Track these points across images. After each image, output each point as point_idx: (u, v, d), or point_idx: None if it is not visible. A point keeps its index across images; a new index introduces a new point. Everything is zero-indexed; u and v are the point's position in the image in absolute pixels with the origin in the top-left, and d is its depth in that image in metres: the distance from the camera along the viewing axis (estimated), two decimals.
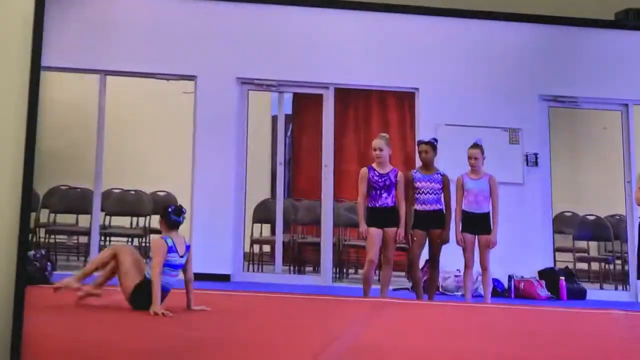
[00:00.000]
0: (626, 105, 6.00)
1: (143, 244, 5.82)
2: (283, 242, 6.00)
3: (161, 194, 6.02)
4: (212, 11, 5.54)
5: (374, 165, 5.32)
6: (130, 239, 5.82)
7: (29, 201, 3.44)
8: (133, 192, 5.85)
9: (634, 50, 5.36)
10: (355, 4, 4.36)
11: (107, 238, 5.54)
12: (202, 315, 4.29)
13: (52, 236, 5.39)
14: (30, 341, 3.18)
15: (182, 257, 4.37)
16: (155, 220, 5.74)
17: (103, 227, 5.52)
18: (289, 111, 6.76)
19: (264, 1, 4.95)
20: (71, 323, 3.93)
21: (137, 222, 5.89)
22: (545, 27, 5.11)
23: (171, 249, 4.36)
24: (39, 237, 5.29)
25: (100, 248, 5.37)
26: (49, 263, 4.68)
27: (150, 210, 5.88)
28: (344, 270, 6.17)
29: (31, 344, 3.18)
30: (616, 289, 6.03)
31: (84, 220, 5.53)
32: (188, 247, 4.42)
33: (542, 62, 5.83)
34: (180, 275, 4.42)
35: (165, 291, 4.30)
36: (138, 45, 5.55)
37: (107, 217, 5.60)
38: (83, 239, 5.51)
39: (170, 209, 4.51)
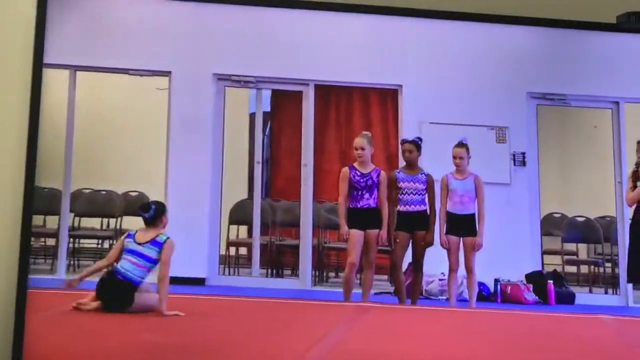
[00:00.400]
0: (617, 102, 5.93)
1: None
2: (260, 245, 5.93)
3: (133, 194, 5.95)
4: (188, 7, 5.37)
5: (355, 164, 5.19)
6: (100, 241, 5.73)
7: (30, 203, 3.35)
8: (104, 193, 5.74)
9: (629, 51, 5.31)
10: (335, 6, 4.25)
11: (76, 240, 5.42)
12: (175, 321, 4.15)
13: None
14: (32, 345, 3.11)
15: (140, 244, 4.28)
16: (126, 222, 5.84)
17: (72, 228, 5.39)
18: (268, 108, 6.75)
19: (242, 3, 4.82)
20: (72, 327, 3.90)
21: (108, 224, 5.79)
22: (536, 28, 5.01)
23: (129, 235, 4.34)
24: None
25: (69, 251, 5.22)
26: None
27: (121, 211, 5.78)
28: (324, 274, 6.16)
29: (32, 348, 3.12)
30: (606, 292, 5.98)
31: (51, 222, 5.39)
32: (156, 243, 4.31)
33: (531, 59, 5.76)
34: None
35: (117, 275, 4.23)
36: (109, 40, 5.43)
37: (77, 219, 5.48)
38: (51, 242, 5.38)
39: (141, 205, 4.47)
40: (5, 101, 3.51)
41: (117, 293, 4.20)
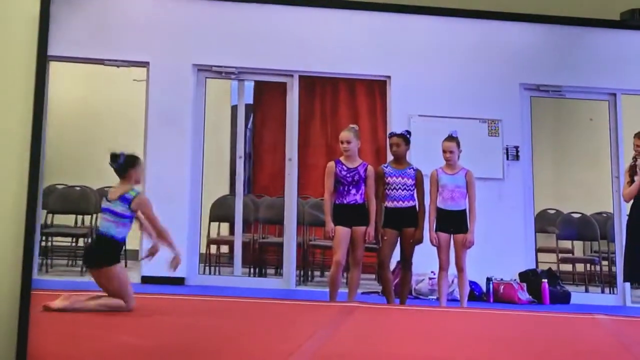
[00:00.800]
0: (614, 94, 5.86)
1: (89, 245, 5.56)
2: (243, 243, 5.82)
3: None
4: None
5: (341, 159, 5.08)
6: (74, 239, 5.57)
7: (35, 203, 3.42)
8: (78, 188, 5.59)
9: (627, 44, 5.31)
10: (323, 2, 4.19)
11: (49, 238, 5.26)
12: (154, 322, 4.03)
13: None
14: (36, 345, 3.13)
15: (110, 201, 4.31)
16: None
17: (44, 226, 5.17)
18: (250, 101, 6.68)
19: None
20: (76, 327, 3.86)
21: (83, 221, 5.64)
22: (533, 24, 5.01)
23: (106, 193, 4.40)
24: None
25: (41, 249, 5.07)
26: None
27: (97, 208, 5.45)
28: (309, 273, 6.11)
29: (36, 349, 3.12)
30: (603, 292, 5.94)
31: None
32: (124, 199, 4.31)
33: (524, 50, 5.66)
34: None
35: (100, 235, 4.29)
36: (84, 30, 5.27)
37: (49, 215, 5.31)
38: None
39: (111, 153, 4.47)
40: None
41: (98, 247, 4.28)
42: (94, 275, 4.27)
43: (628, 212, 5.34)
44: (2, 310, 3.37)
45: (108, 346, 3.41)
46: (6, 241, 3.41)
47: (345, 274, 5.20)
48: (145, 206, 4.34)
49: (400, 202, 5.04)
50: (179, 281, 5.37)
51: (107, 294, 4.26)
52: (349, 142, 5.03)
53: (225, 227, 6.10)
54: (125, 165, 4.35)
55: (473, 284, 5.40)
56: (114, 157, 4.36)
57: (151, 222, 4.32)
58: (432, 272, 5.37)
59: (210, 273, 5.75)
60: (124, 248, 4.43)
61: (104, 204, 4.31)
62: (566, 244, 6.30)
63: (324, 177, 5.15)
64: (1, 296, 3.38)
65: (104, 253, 4.22)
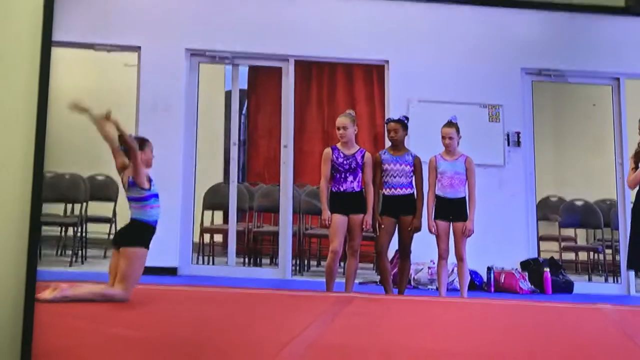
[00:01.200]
0: (617, 79, 5.79)
1: (78, 234, 5.53)
2: (237, 231, 5.77)
3: (100, 177, 5.90)
4: None
5: (338, 145, 4.95)
6: (64, 229, 5.56)
7: (39, 193, 3.31)
8: (68, 176, 5.56)
9: (631, 28, 5.35)
10: None
11: None
12: (146, 313, 3.94)
13: None
14: (41, 336, 3.02)
15: (126, 190, 4.25)
16: (92, 207, 5.71)
17: None
18: (245, 86, 6.81)
19: None
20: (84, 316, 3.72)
21: (72, 209, 5.65)
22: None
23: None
24: None
25: None
26: None
27: (87, 196, 5.60)
28: (305, 263, 6.14)
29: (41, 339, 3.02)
30: (606, 281, 5.94)
31: None
32: (131, 183, 4.22)
33: (526, 34, 5.64)
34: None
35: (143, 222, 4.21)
36: (73, 13, 5.15)
37: None
38: None
39: None
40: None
41: (131, 228, 4.23)
42: (120, 253, 4.22)
43: (632, 200, 5.26)
44: (7, 302, 3.29)
45: (101, 339, 3.31)
46: (11, 234, 3.26)
47: (342, 264, 5.11)
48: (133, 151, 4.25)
49: (398, 190, 4.93)
50: (171, 271, 5.39)
51: (107, 283, 4.20)
52: (345, 129, 4.91)
53: (219, 215, 6.13)
54: (129, 144, 4.22)
55: (473, 274, 5.38)
56: (122, 140, 4.25)
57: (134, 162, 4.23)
58: (431, 261, 5.32)
59: (203, 263, 5.75)
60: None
61: (126, 194, 4.27)
62: (569, 232, 6.35)
63: (321, 164, 4.98)
64: (6, 287, 3.30)
65: (136, 234, 4.18)
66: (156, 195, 4.23)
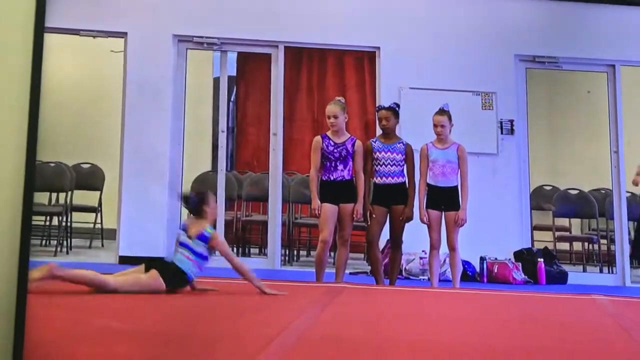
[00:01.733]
0: (612, 65, 5.75)
1: (63, 224, 5.48)
2: (225, 221, 5.73)
3: (85, 166, 5.88)
4: None
5: (328, 133, 4.88)
6: (48, 218, 5.50)
7: (32, 179, 3.15)
8: (52, 165, 5.49)
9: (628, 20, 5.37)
10: None
11: None
12: (134, 305, 3.87)
13: None
14: (32, 327, 2.86)
15: (190, 238, 4.15)
16: (78, 196, 5.65)
17: None
18: (233, 72, 6.77)
19: None
20: (74, 307, 3.66)
21: (57, 199, 5.61)
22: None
23: (183, 226, 4.24)
24: None
25: None
26: None
27: (72, 185, 5.54)
28: (294, 252, 6.13)
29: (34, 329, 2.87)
30: (601, 271, 5.93)
31: None
32: (203, 237, 4.16)
33: (520, 20, 5.60)
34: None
35: (180, 271, 4.15)
36: None
37: None
38: None
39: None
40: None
41: (169, 274, 4.14)
42: (148, 273, 4.18)
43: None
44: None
45: (91, 330, 3.25)
46: (2, 224, 3.28)
47: (332, 254, 5.07)
48: (221, 245, 4.24)
49: (390, 178, 4.86)
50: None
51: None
52: (335, 117, 4.83)
53: None
54: (198, 203, 4.22)
55: (466, 264, 5.35)
56: (186, 199, 4.28)
57: (227, 258, 4.23)
58: (423, 251, 5.29)
59: None
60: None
61: (183, 239, 4.19)
62: (563, 221, 6.37)
63: (311, 153, 4.91)
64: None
65: (172, 278, 4.12)
66: (207, 258, 4.26)
